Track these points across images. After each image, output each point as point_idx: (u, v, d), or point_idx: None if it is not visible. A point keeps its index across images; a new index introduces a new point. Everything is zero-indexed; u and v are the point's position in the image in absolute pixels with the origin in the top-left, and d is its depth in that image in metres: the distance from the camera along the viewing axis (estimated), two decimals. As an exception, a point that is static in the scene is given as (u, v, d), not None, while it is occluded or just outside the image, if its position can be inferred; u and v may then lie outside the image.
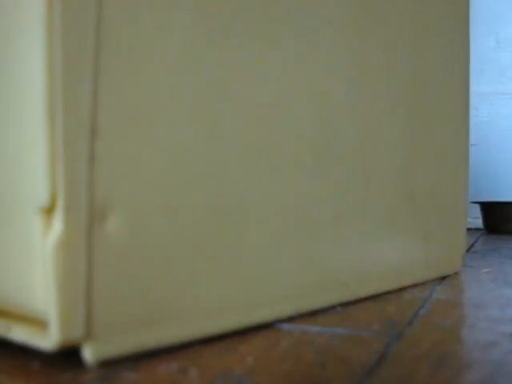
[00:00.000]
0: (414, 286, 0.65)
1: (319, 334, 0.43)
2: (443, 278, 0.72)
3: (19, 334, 0.36)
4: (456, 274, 0.76)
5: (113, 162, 0.35)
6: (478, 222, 1.84)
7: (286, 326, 0.45)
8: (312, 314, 0.49)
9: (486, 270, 0.81)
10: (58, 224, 0.33)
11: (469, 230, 1.06)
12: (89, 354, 0.34)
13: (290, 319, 0.47)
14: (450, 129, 0.73)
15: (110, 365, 0.35)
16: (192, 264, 0.40)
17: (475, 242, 1.34)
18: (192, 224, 0.40)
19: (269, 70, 0.45)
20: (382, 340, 0.41)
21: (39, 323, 0.34)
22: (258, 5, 0.44)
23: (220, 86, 0.42)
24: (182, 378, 0.33)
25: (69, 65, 0.33)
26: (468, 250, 1.09)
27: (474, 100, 1.90)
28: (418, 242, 0.66)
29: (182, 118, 0.39)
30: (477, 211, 1.80)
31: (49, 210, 0.33)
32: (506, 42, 2.02)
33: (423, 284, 0.67)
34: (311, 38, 0.49)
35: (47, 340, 0.33)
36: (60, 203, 0.33)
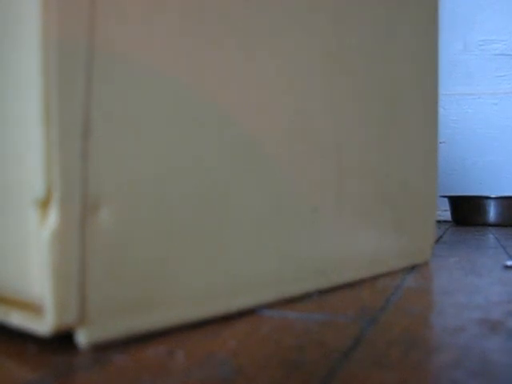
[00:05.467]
0: (387, 274, 0.66)
1: (298, 319, 0.43)
2: (414, 266, 0.72)
3: (17, 319, 0.36)
4: (426, 263, 0.76)
5: (104, 157, 0.35)
6: (447, 215, 1.85)
7: (267, 312, 0.46)
8: (291, 301, 0.50)
9: (454, 259, 0.81)
10: (53, 215, 0.33)
11: (438, 222, 1.07)
12: (82, 338, 0.34)
13: (271, 305, 0.48)
14: (420, 127, 0.74)
15: (102, 348, 0.35)
16: (178, 252, 0.40)
17: (444, 233, 1.35)
18: (178, 215, 0.40)
19: (247, 70, 0.45)
20: (356, 325, 0.42)
21: (35, 309, 0.34)
22: (238, 8, 0.44)
23: (203, 84, 0.42)
24: (169, 360, 0.33)
25: (64, 67, 0.33)
26: (437, 241, 1.09)
27: (442, 100, 1.91)
28: (390, 233, 0.66)
29: (168, 116, 0.39)
30: (445, 204, 1.82)
31: (45, 203, 0.33)
32: (473, 46, 2.04)
33: (395, 272, 0.67)
34: (288, 39, 0.49)
35: (43, 325, 0.33)
36: (55, 196, 0.33)
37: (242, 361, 0.33)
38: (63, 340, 0.35)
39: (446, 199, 1.80)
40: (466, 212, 1.73)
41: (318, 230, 0.54)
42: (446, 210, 1.86)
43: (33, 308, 0.35)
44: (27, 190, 0.34)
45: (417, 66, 0.73)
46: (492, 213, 1.68)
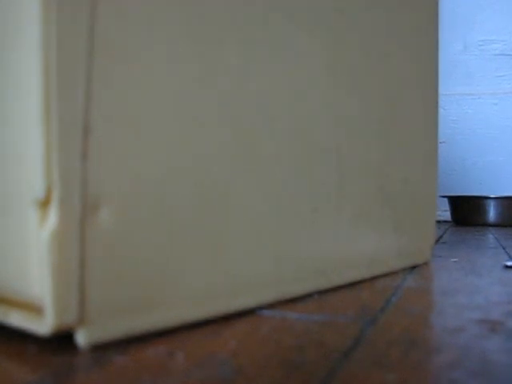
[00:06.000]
0: (387, 274, 0.66)
1: (298, 319, 0.43)
2: (414, 267, 0.72)
3: (16, 319, 0.36)
4: (426, 263, 0.76)
5: (104, 157, 0.35)
6: (447, 215, 1.85)
7: (267, 313, 0.46)
8: (291, 301, 0.50)
9: (454, 259, 0.82)
10: (53, 215, 0.33)
11: (438, 222, 1.07)
12: (82, 338, 0.34)
13: (271, 306, 0.48)
14: (420, 127, 0.74)
15: (102, 348, 0.35)
16: (179, 252, 0.40)
17: (444, 233, 1.35)
18: (178, 215, 0.40)
19: (247, 69, 0.45)
20: (356, 325, 0.42)
21: (35, 309, 0.34)
22: (239, 9, 0.44)
23: (204, 84, 0.42)
24: (169, 361, 0.33)
25: (63, 67, 0.33)
26: (437, 241, 1.09)
27: (442, 100, 1.92)
28: (389, 234, 0.66)
29: (169, 115, 0.39)
30: (445, 204, 1.82)
31: (45, 203, 0.33)
32: (472, 46, 2.04)
33: (395, 273, 0.67)
34: (287, 41, 0.49)
35: (43, 325, 0.33)
36: (55, 196, 0.33)
37: (242, 361, 0.33)
38: (63, 340, 0.35)
39: (445, 199, 1.81)
40: (466, 212, 1.73)
41: (318, 230, 0.54)
42: (445, 210, 1.86)
43: (33, 308, 0.35)
44: (27, 189, 0.34)
45: (417, 66, 0.73)
46: (492, 213, 1.68)
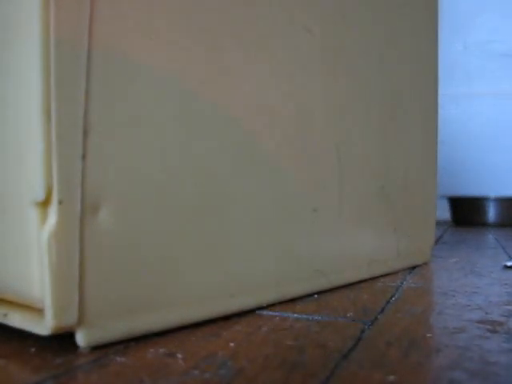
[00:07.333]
0: (387, 275, 0.66)
1: (298, 320, 0.43)
2: (414, 267, 0.72)
3: (17, 320, 0.36)
4: (426, 264, 0.76)
5: (103, 158, 0.35)
6: (447, 215, 1.85)
7: (267, 313, 0.46)
8: (291, 302, 0.50)
9: (454, 260, 0.81)
10: (52, 216, 0.33)
11: (438, 222, 1.07)
12: (81, 339, 0.34)
13: (271, 306, 0.48)
14: (420, 128, 0.74)
15: (102, 349, 0.35)
16: (179, 252, 0.40)
17: (444, 233, 1.35)
18: (178, 215, 0.40)
19: (248, 70, 0.45)
20: (356, 326, 0.42)
21: (35, 310, 0.34)
22: (238, 8, 0.44)
23: (203, 88, 0.42)
24: (168, 362, 0.33)
25: (63, 70, 0.33)
26: (437, 242, 1.09)
27: (442, 100, 1.91)
28: (390, 234, 0.66)
29: (167, 118, 0.39)
30: (445, 204, 1.82)
31: (44, 204, 0.33)
32: (472, 47, 2.04)
33: (395, 273, 0.67)
34: (288, 43, 0.49)
35: (43, 326, 0.33)
36: (55, 197, 0.33)
37: (241, 361, 0.33)
38: (63, 340, 0.35)
39: (445, 199, 1.80)
40: (466, 212, 1.73)
41: (318, 230, 0.54)
42: (445, 210, 1.86)
43: (33, 309, 0.35)
44: (27, 190, 0.34)
45: (417, 66, 0.73)
46: (492, 213, 1.68)
